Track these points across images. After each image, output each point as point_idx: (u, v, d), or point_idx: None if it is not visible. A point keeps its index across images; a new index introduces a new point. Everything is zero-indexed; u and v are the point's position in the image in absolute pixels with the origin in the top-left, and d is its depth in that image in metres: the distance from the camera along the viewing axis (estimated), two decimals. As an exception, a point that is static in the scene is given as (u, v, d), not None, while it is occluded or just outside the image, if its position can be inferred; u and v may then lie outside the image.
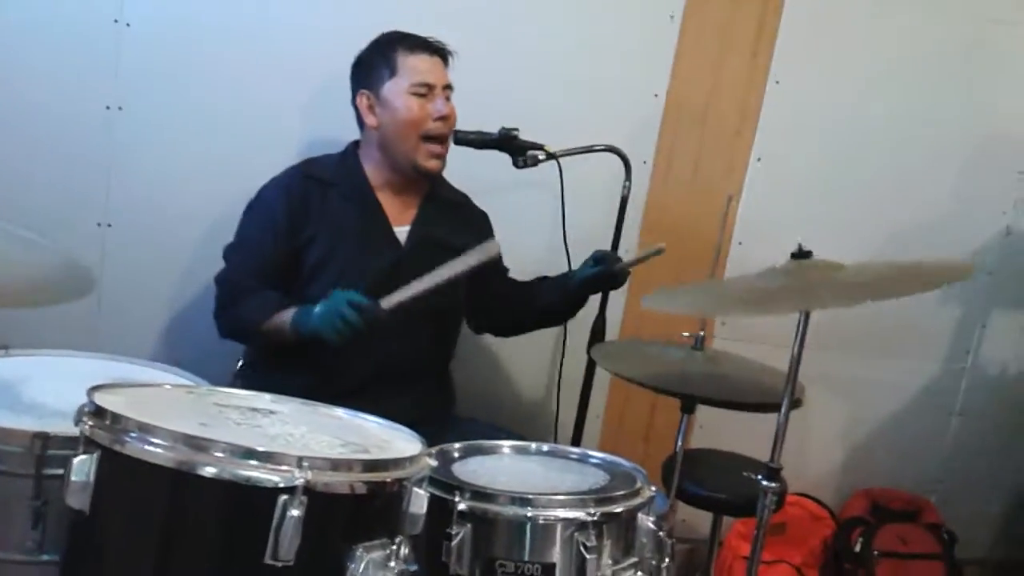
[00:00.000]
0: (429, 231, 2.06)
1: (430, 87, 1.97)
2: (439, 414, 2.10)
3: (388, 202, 2.05)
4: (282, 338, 1.88)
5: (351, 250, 1.98)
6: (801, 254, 1.60)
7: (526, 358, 2.52)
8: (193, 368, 1.73)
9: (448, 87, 2.01)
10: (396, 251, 2.02)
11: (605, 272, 2.03)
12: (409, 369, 2.03)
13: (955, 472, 2.94)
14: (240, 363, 2.12)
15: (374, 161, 2.04)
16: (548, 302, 2.14)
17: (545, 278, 2.20)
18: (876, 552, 2.67)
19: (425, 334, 2.05)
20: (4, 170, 2.12)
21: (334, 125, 2.10)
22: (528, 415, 2.59)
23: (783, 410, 1.57)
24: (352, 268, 1.97)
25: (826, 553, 2.79)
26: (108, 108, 2.15)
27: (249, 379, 2.01)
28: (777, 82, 2.58)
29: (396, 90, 1.96)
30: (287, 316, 1.86)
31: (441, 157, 2.02)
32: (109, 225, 2.20)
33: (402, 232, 2.04)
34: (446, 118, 1.99)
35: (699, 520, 2.54)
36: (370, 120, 2.00)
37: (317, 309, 1.79)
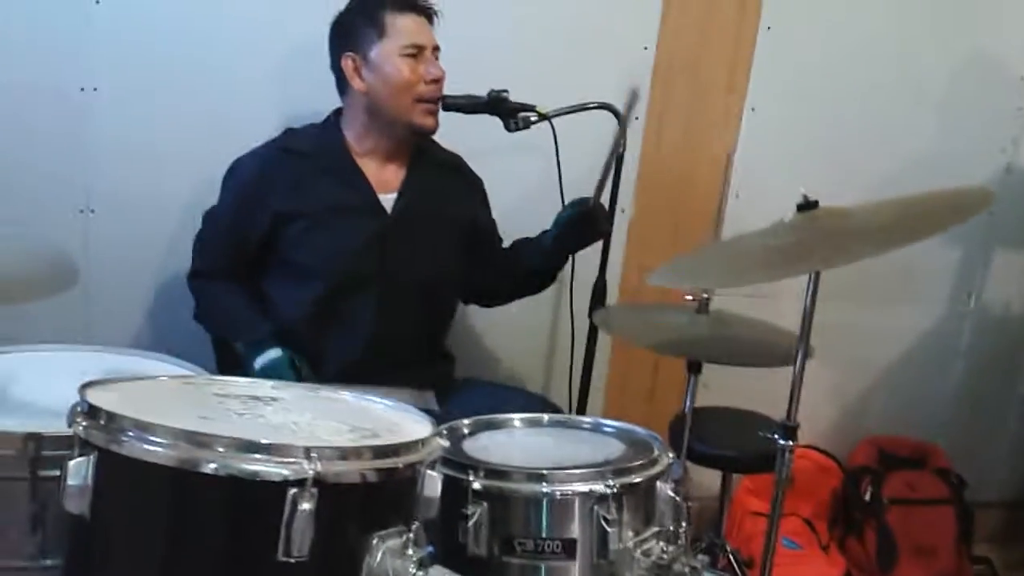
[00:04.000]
0: (417, 197, 1.98)
1: (420, 48, 1.90)
2: (437, 386, 2.05)
3: (372, 170, 1.97)
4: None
5: (334, 222, 1.91)
6: (808, 205, 1.53)
7: (520, 322, 2.47)
8: (187, 357, 1.67)
9: (437, 48, 1.94)
10: (382, 219, 1.95)
11: (580, 211, 1.92)
12: (402, 348, 1.97)
13: (962, 415, 2.93)
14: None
15: (359, 126, 1.97)
16: (529, 263, 2.06)
17: (526, 239, 2.12)
18: (886, 500, 2.67)
19: (416, 310, 1.99)
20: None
21: (314, 93, 2.03)
22: (528, 381, 2.55)
23: (798, 367, 1.53)
24: (337, 240, 1.91)
25: (835, 503, 2.79)
26: (83, 90, 2.07)
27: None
28: (768, 28, 2.51)
29: (386, 52, 1.89)
30: (240, 342, 1.89)
31: (435, 115, 1.95)
32: (92, 211, 2.12)
33: (388, 200, 1.97)
34: (439, 80, 1.92)
35: (706, 478, 2.52)
36: (357, 84, 1.92)
37: (259, 365, 1.81)
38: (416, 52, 1.89)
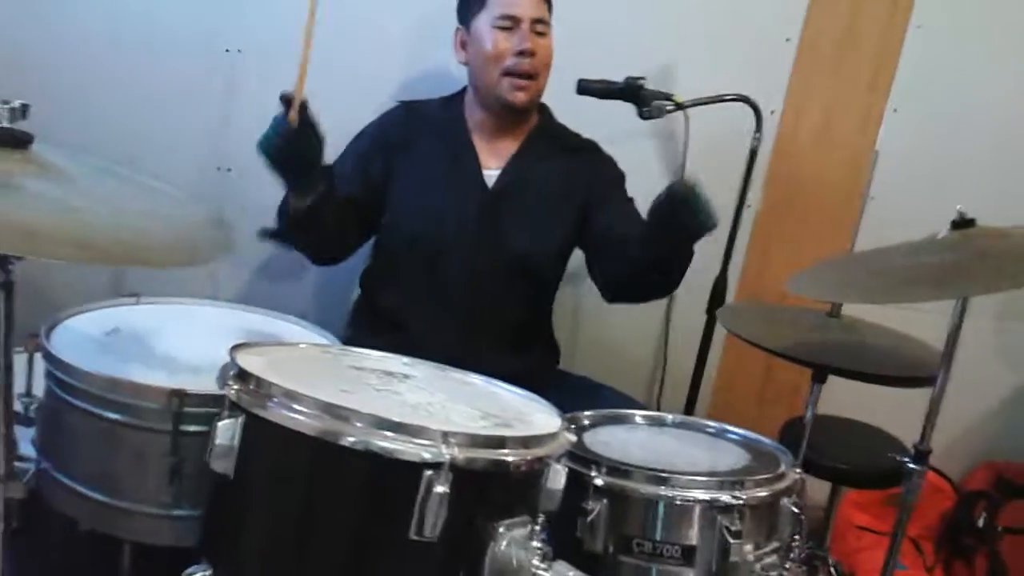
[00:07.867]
0: (521, 175, 1.93)
1: (515, 19, 1.83)
2: (542, 372, 1.99)
3: (483, 144, 1.95)
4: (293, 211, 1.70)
5: (435, 189, 1.91)
6: (964, 223, 1.47)
7: (632, 313, 2.43)
8: (314, 321, 1.70)
9: (540, 21, 1.85)
10: (481, 193, 1.92)
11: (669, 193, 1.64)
12: (495, 329, 1.93)
13: (1090, 447, 2.78)
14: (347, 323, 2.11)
15: (470, 100, 1.96)
16: (632, 253, 1.80)
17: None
18: (1000, 528, 2.55)
19: (511, 291, 1.94)
20: (121, 117, 2.12)
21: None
22: (634, 373, 2.52)
23: (938, 389, 1.47)
24: (435, 207, 1.90)
25: (945, 526, 2.68)
26: (228, 51, 2.12)
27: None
28: (919, 26, 2.39)
29: (483, 23, 1.86)
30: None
31: (526, 90, 1.87)
32: (229, 170, 2.18)
33: (491, 175, 1.94)
34: (528, 53, 1.83)
35: (812, 487, 2.46)
36: (459, 56, 1.92)
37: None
38: (511, 24, 1.83)
